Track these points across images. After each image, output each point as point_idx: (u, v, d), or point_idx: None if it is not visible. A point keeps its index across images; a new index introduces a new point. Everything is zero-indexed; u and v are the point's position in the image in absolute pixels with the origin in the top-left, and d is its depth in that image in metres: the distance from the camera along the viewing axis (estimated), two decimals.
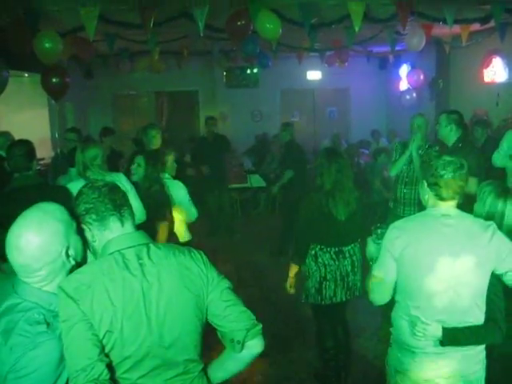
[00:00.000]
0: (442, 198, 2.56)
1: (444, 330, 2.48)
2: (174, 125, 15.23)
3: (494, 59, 9.53)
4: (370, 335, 5.29)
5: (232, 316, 2.03)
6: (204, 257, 2.11)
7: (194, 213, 4.93)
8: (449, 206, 2.57)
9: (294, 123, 14.58)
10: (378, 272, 2.64)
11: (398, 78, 13.31)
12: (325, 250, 4.12)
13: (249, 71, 13.91)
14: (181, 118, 15.25)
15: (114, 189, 2.04)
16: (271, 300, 6.08)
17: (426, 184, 2.62)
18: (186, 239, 4.87)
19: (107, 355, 1.85)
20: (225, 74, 13.89)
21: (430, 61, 11.62)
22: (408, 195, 5.33)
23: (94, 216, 1.97)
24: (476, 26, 8.19)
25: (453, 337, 2.49)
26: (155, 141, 5.76)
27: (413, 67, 12.13)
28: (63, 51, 6.90)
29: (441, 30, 8.71)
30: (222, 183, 9.20)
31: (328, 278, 4.11)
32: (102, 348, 1.83)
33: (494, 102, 9.13)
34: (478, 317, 2.52)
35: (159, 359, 1.94)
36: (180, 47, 10.09)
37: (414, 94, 11.50)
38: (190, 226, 5.07)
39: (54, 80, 7.07)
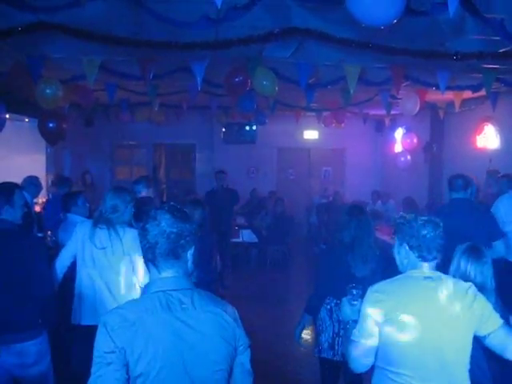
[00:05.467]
0: (425, 259, 2.52)
1: None
2: (170, 177, 15.35)
3: (486, 126, 9.71)
4: None
5: None
6: (237, 314, 2.13)
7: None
8: (430, 268, 2.54)
9: (289, 180, 14.83)
10: (358, 337, 2.53)
11: (394, 141, 13.52)
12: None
13: (247, 128, 14.07)
14: (178, 171, 15.39)
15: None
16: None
17: (407, 247, 2.57)
18: None
19: None
20: (223, 129, 14.07)
21: (425, 125, 11.83)
22: None
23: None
24: (469, 94, 8.40)
25: None
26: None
27: (408, 131, 12.33)
28: (64, 98, 7.03)
29: (435, 96, 8.92)
30: (226, 235, 9.26)
31: (341, 334, 4.03)
32: None
33: (485, 168, 9.24)
34: (465, 381, 2.46)
35: None
36: (179, 101, 10.29)
37: (409, 157, 11.65)
38: None
39: (50, 125, 7.18)
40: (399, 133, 13.08)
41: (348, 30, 4.78)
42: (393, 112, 11.00)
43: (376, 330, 2.48)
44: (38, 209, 8.23)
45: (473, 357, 2.48)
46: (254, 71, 6.43)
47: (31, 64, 6.05)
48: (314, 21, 4.79)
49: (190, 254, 2.07)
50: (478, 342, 2.53)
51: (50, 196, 7.36)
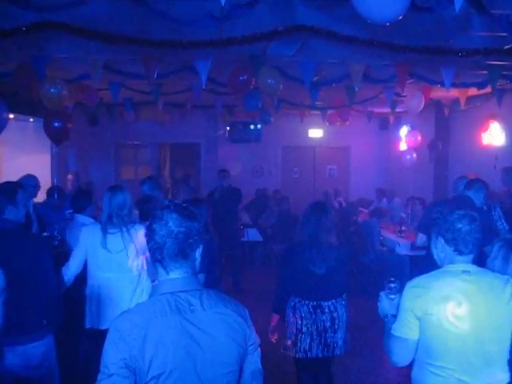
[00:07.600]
0: (461, 253, 2.52)
1: None
2: (175, 176, 15.35)
3: (491, 123, 9.67)
4: None
5: None
6: (247, 313, 2.12)
7: None
8: (467, 262, 2.54)
9: (294, 179, 14.79)
10: (399, 332, 2.55)
11: (398, 139, 13.48)
12: (303, 302, 4.12)
13: (252, 127, 13.99)
14: (182, 170, 15.39)
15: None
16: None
17: (442, 240, 2.57)
18: None
19: None
20: (228, 128, 14.03)
21: (430, 123, 11.80)
22: None
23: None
24: (474, 91, 8.37)
25: None
26: None
27: (413, 128, 12.30)
28: (68, 97, 7.04)
29: (440, 93, 8.89)
30: (234, 235, 9.19)
31: (304, 330, 4.10)
32: None
33: (491, 165, 9.21)
34: (503, 376, 2.47)
35: None
36: (184, 100, 10.29)
37: (414, 155, 11.61)
38: None
39: (55, 124, 7.18)
40: (404, 131, 13.04)
41: (352, 27, 4.76)
42: (397, 110, 10.98)
43: (416, 324, 2.50)
44: None
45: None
46: (258, 69, 6.41)
47: (35, 63, 6.06)
48: (318, 18, 4.78)
49: (198, 253, 2.04)
50: None
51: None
